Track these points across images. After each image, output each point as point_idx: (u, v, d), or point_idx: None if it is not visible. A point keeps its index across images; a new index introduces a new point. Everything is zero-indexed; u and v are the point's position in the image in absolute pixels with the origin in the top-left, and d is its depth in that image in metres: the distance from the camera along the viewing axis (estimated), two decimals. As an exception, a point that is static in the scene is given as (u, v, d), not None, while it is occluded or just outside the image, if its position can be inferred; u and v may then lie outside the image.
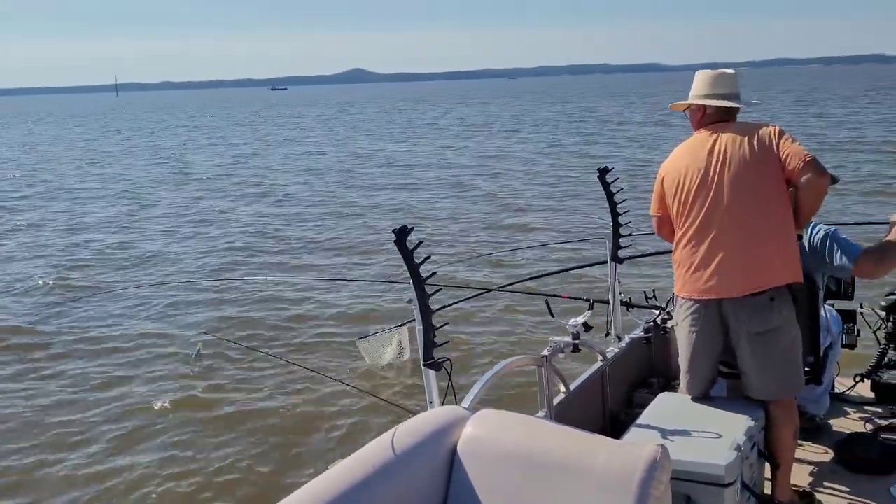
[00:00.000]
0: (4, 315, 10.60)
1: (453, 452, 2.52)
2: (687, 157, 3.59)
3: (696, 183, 3.50)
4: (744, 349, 3.47)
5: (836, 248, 3.81)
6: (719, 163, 3.46)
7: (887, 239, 3.68)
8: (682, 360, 3.69)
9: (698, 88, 3.68)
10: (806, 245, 3.88)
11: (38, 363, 8.75)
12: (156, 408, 7.45)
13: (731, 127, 3.56)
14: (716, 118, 3.62)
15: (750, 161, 3.41)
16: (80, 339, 9.47)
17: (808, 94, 73.12)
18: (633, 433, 3.32)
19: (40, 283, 12.27)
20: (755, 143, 3.43)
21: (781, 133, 3.45)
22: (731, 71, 3.69)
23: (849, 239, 3.87)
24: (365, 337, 7.46)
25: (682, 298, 3.61)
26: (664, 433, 3.27)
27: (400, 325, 7.20)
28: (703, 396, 3.66)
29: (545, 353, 3.56)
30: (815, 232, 3.91)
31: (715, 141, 3.52)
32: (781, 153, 3.38)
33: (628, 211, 4.61)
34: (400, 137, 40.33)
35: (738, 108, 3.64)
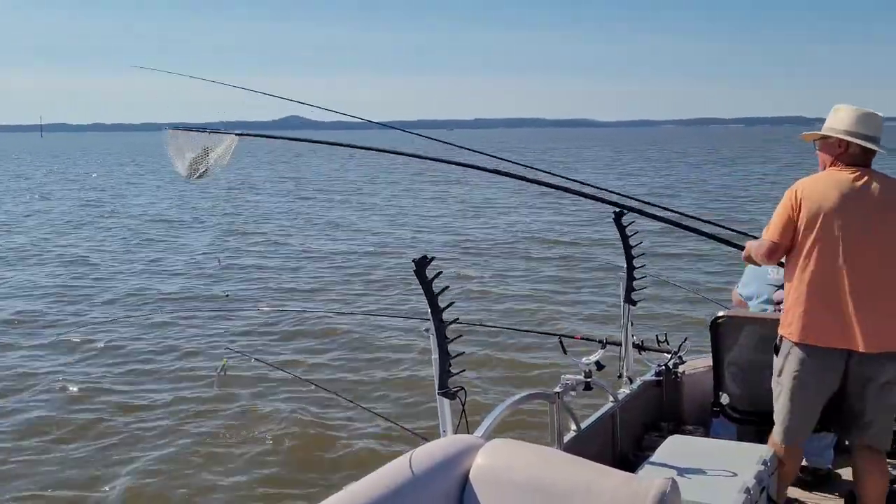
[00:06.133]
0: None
1: (465, 480, 2.55)
2: (834, 191, 3.34)
3: (845, 222, 3.29)
4: (869, 398, 3.35)
5: None
6: (874, 209, 3.28)
7: None
8: (789, 409, 3.47)
9: (842, 122, 3.43)
10: None
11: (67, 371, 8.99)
12: (172, 421, 7.57)
13: (877, 174, 3.37)
14: (856, 159, 3.40)
15: None
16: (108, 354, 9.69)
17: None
18: (645, 471, 3.34)
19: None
20: None
21: None
22: (879, 113, 3.48)
23: None
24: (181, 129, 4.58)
25: (800, 344, 3.38)
26: (675, 472, 3.29)
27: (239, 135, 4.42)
28: (798, 447, 3.57)
29: (557, 389, 3.59)
30: None
31: (866, 183, 3.32)
32: None
33: (643, 254, 4.65)
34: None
35: (874, 153, 3.44)
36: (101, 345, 10.13)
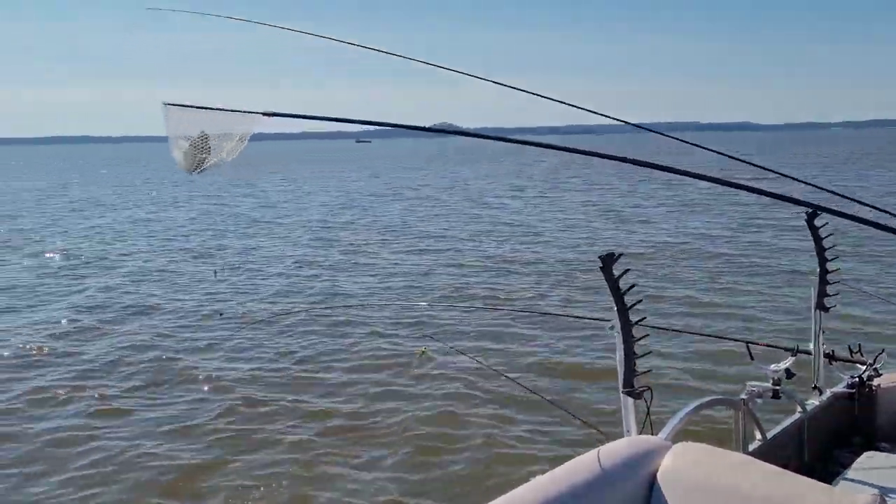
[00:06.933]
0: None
1: (652, 481, 2.54)
2: None
3: None
4: None
5: None
6: None
7: None
8: None
9: None
10: None
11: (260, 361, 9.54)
12: (361, 405, 7.91)
13: None
14: None
15: None
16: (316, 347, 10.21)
17: None
18: (841, 486, 3.18)
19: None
20: None
21: None
22: None
23: None
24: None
25: None
26: (876, 490, 3.11)
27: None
28: None
29: (743, 396, 3.49)
30: None
31: None
32: None
33: (837, 257, 4.40)
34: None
35: None
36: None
